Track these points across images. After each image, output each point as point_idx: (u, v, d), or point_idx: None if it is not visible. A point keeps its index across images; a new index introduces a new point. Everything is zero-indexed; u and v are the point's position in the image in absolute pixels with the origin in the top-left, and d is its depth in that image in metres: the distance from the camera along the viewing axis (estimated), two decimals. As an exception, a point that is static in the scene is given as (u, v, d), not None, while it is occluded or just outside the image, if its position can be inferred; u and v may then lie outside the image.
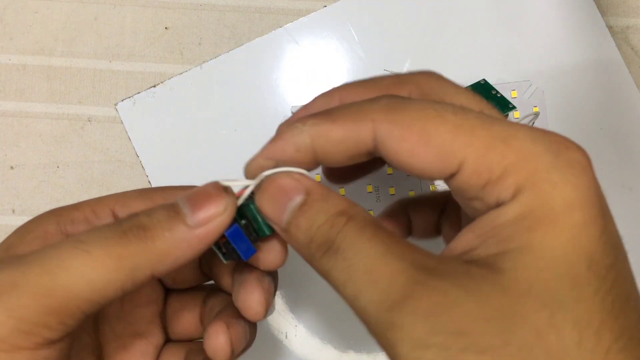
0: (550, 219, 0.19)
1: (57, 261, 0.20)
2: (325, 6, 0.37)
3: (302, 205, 0.22)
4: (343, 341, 0.35)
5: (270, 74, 0.37)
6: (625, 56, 0.36)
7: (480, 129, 0.20)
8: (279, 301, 0.35)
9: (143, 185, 0.36)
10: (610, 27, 0.36)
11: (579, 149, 0.21)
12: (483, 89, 0.34)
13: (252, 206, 0.23)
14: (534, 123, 0.35)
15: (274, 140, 0.22)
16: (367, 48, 0.37)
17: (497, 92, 0.34)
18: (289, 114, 0.36)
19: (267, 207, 0.22)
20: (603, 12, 0.36)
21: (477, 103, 0.23)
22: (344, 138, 0.21)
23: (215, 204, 0.22)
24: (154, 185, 0.36)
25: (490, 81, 0.35)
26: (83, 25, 0.37)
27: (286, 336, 0.35)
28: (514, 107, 0.34)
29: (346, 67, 0.36)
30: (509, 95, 0.35)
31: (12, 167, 0.37)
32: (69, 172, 0.36)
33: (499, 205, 0.19)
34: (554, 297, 0.18)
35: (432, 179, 0.21)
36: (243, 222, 0.23)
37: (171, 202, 0.22)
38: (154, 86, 0.36)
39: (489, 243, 0.19)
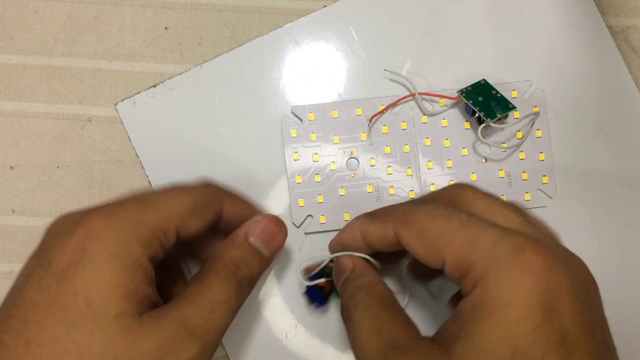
0: (491, 313, 0.23)
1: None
2: (325, 6, 0.37)
3: (346, 278, 0.30)
4: (343, 341, 0.35)
5: (270, 74, 0.37)
6: (625, 56, 0.36)
7: (458, 231, 0.25)
8: (279, 301, 0.35)
9: (143, 185, 0.36)
10: (610, 27, 0.36)
11: (537, 251, 0.24)
12: (483, 89, 0.34)
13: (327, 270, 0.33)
14: (534, 123, 0.35)
15: (341, 230, 0.32)
16: (367, 48, 0.37)
17: (497, 92, 0.34)
18: (289, 114, 0.36)
19: (334, 276, 0.32)
20: (603, 12, 0.36)
21: (495, 207, 0.27)
22: (378, 233, 0.29)
23: (280, 240, 0.32)
24: (153, 185, 0.36)
25: (490, 81, 0.35)
26: (83, 25, 0.37)
27: (286, 336, 0.35)
28: (514, 107, 0.34)
29: (346, 67, 0.36)
30: (509, 95, 0.35)
31: (12, 167, 0.37)
32: (69, 172, 0.36)
33: (466, 295, 0.24)
34: None
35: (434, 266, 0.27)
36: (324, 279, 0.33)
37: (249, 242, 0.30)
38: (154, 86, 0.36)
39: (453, 327, 0.24)
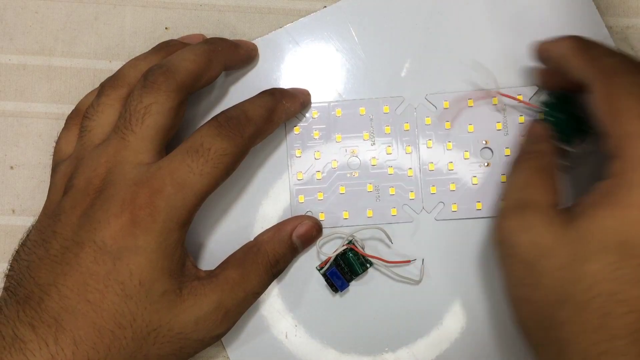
0: (617, 205, 0.27)
1: None
2: (325, 6, 0.37)
3: (532, 136, 0.34)
4: (343, 341, 0.35)
5: (270, 74, 0.37)
6: (625, 56, 0.36)
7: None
8: (278, 301, 0.35)
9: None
10: (610, 27, 0.36)
11: None
12: (564, 102, 0.34)
13: (349, 254, 0.34)
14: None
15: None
16: (367, 48, 0.37)
17: (578, 110, 0.33)
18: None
19: (528, 131, 0.34)
20: (603, 12, 0.36)
21: None
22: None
23: (312, 243, 0.35)
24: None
25: (490, 81, 0.35)
26: (83, 25, 0.37)
27: (286, 336, 0.35)
28: (590, 132, 0.33)
29: (346, 67, 0.36)
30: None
31: (12, 167, 0.37)
32: (69, 172, 0.36)
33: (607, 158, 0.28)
34: None
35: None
36: (342, 264, 0.34)
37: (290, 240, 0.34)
38: (154, 86, 0.36)
39: (584, 203, 0.28)
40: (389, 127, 0.36)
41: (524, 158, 0.32)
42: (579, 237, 0.27)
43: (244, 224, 0.36)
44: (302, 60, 0.37)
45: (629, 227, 0.26)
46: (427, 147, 0.36)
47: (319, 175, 0.36)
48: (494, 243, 0.31)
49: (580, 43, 0.30)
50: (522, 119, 0.35)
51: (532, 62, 0.35)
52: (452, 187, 0.35)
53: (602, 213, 0.26)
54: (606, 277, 0.26)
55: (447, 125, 0.36)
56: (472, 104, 0.35)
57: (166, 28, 0.37)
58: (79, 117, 0.33)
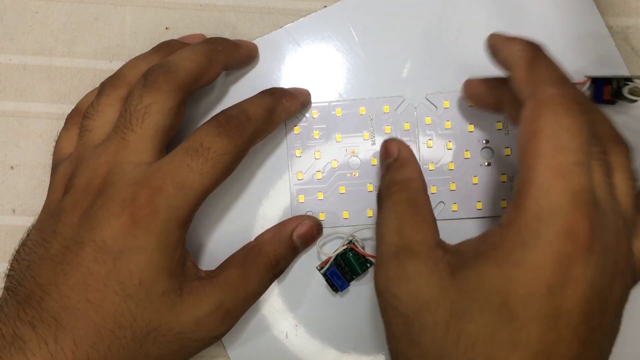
0: (502, 261, 0.24)
1: None
2: (325, 6, 0.37)
3: (389, 164, 0.32)
4: (343, 341, 0.35)
5: (270, 74, 0.37)
6: (625, 56, 0.36)
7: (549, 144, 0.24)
8: (278, 301, 0.35)
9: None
10: (610, 27, 0.36)
11: (581, 235, 0.23)
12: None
13: (350, 254, 0.34)
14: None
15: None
16: (367, 48, 0.37)
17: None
18: (290, 114, 0.36)
19: (380, 158, 0.34)
20: (603, 12, 0.36)
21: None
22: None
23: (313, 243, 0.35)
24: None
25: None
26: (83, 25, 0.37)
27: (286, 336, 0.35)
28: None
29: (346, 67, 0.36)
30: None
31: (12, 167, 0.37)
32: (69, 172, 0.36)
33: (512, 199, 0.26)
34: None
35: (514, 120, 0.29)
36: (342, 264, 0.34)
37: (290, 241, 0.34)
38: (154, 86, 0.36)
39: (473, 249, 0.26)
40: (389, 126, 0.36)
41: (392, 191, 0.30)
42: (461, 291, 0.24)
43: (244, 224, 0.36)
44: (302, 60, 0.37)
45: (512, 288, 0.23)
46: (428, 147, 0.36)
47: (319, 175, 0.36)
48: (376, 291, 0.28)
49: (531, 54, 0.27)
50: (448, 124, 0.36)
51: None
52: (453, 187, 0.35)
53: (487, 268, 0.24)
54: (484, 340, 0.23)
55: (448, 124, 0.36)
56: (473, 104, 0.35)
57: (166, 28, 0.37)
58: (79, 117, 0.33)
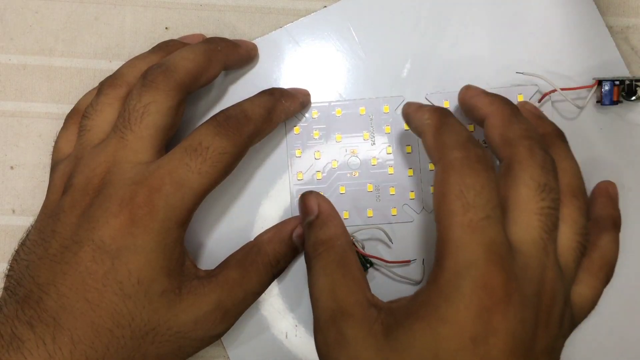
0: (430, 317, 0.25)
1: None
2: (325, 6, 0.37)
3: (310, 222, 0.32)
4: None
5: (270, 74, 0.37)
6: (625, 56, 0.36)
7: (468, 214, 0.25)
8: (278, 301, 0.35)
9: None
10: (610, 27, 0.36)
11: (500, 286, 0.24)
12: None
13: None
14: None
15: (421, 111, 0.31)
16: (367, 48, 0.37)
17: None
18: (289, 114, 0.36)
19: (300, 212, 0.33)
20: (603, 12, 0.36)
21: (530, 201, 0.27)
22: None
23: None
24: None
25: (491, 81, 0.35)
26: (83, 25, 0.37)
27: (286, 336, 0.35)
28: None
29: (346, 67, 0.36)
30: (515, 99, 0.35)
31: (12, 167, 0.37)
32: (69, 172, 0.36)
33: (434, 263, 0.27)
34: None
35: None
36: None
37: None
38: (154, 86, 0.36)
39: (404, 308, 0.27)
40: (389, 126, 0.36)
41: (319, 252, 0.30)
42: (396, 351, 0.25)
43: (244, 224, 0.36)
44: (302, 60, 0.37)
45: (441, 344, 0.24)
46: (427, 147, 0.36)
47: (319, 175, 0.36)
48: (318, 355, 0.29)
49: (438, 121, 0.29)
50: None
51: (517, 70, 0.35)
52: (452, 187, 0.35)
53: (418, 326, 0.25)
54: None
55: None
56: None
57: (166, 28, 0.37)
58: (78, 117, 0.33)
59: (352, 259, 0.30)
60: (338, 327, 0.27)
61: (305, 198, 0.33)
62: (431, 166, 0.35)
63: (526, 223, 0.26)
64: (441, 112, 0.29)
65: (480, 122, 0.31)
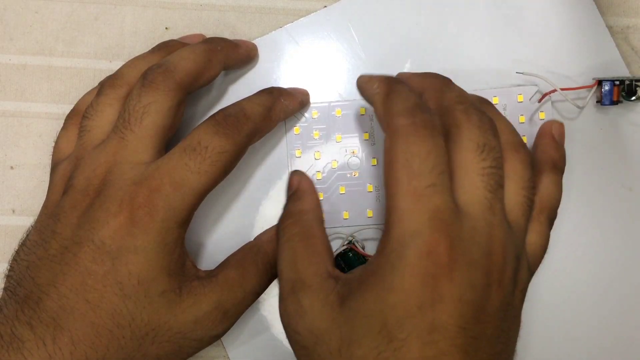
0: (377, 284, 0.26)
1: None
2: (325, 6, 0.37)
3: (289, 196, 0.33)
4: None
5: (270, 74, 0.37)
6: (625, 56, 0.36)
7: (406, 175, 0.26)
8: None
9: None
10: (610, 27, 0.36)
11: (445, 251, 0.25)
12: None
13: (350, 254, 0.35)
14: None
15: (380, 82, 0.30)
16: (367, 48, 0.37)
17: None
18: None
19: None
20: (603, 12, 0.36)
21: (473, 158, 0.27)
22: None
23: None
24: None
25: (490, 81, 0.35)
26: (83, 25, 0.37)
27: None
28: None
29: (346, 67, 0.36)
30: (515, 99, 0.35)
31: (12, 167, 0.37)
32: (69, 172, 0.36)
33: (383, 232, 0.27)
34: None
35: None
36: (342, 264, 0.35)
37: None
38: (154, 86, 0.36)
39: (358, 276, 0.27)
40: (389, 127, 0.36)
41: (286, 225, 0.30)
42: (348, 320, 0.26)
43: (244, 224, 0.36)
44: (302, 60, 0.37)
45: (388, 311, 0.24)
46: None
47: (319, 176, 0.36)
48: (282, 326, 0.29)
49: (385, 89, 0.29)
50: (522, 118, 0.35)
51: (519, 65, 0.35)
52: (452, 187, 0.35)
53: (367, 295, 0.25)
54: None
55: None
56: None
57: (166, 28, 0.37)
58: (78, 117, 0.33)
59: (316, 232, 0.30)
60: (297, 297, 0.27)
61: (290, 175, 0.33)
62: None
63: (470, 185, 0.26)
64: (390, 80, 0.30)
65: None
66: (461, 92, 0.29)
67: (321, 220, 0.31)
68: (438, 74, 0.31)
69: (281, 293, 0.29)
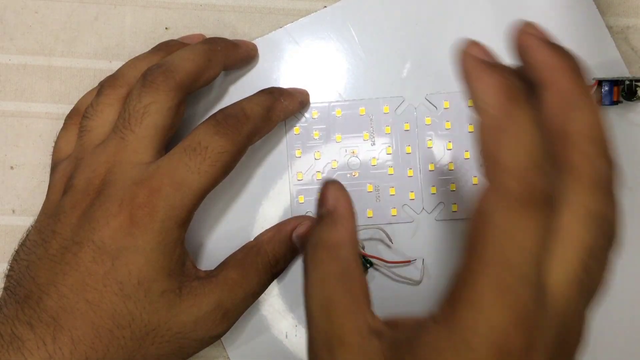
0: (446, 351, 0.21)
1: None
2: (325, 6, 0.37)
3: (321, 215, 0.27)
4: (343, 341, 0.35)
5: (270, 74, 0.37)
6: (625, 56, 0.36)
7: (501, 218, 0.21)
8: (278, 301, 0.35)
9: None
10: (610, 27, 0.36)
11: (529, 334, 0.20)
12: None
13: None
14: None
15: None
16: (367, 48, 0.37)
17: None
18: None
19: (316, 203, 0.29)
20: (603, 12, 0.36)
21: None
22: None
23: None
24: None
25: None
26: (83, 25, 0.37)
27: (286, 336, 0.35)
28: None
29: (346, 67, 0.36)
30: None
31: (12, 167, 0.37)
32: (69, 172, 0.36)
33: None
34: None
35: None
36: None
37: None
38: (154, 86, 0.36)
39: (414, 335, 0.22)
40: (389, 127, 0.36)
41: (320, 259, 0.25)
42: None
43: (244, 224, 0.36)
44: (302, 60, 0.37)
45: None
46: (427, 147, 0.36)
47: (319, 176, 0.36)
48: None
49: (501, 111, 0.22)
50: (448, 124, 0.36)
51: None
52: (452, 187, 0.35)
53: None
54: None
55: (447, 125, 0.36)
56: (472, 104, 0.35)
57: (166, 28, 0.37)
58: (78, 117, 0.33)
59: (356, 272, 0.25)
60: (332, 355, 0.23)
61: (325, 187, 0.28)
62: (431, 166, 0.35)
63: (567, 263, 0.21)
64: (510, 92, 0.22)
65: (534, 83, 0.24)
66: (596, 121, 0.22)
67: (358, 256, 0.26)
68: (573, 65, 0.23)
69: (312, 342, 0.24)
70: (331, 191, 0.27)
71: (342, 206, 0.27)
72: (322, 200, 0.27)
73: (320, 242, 0.26)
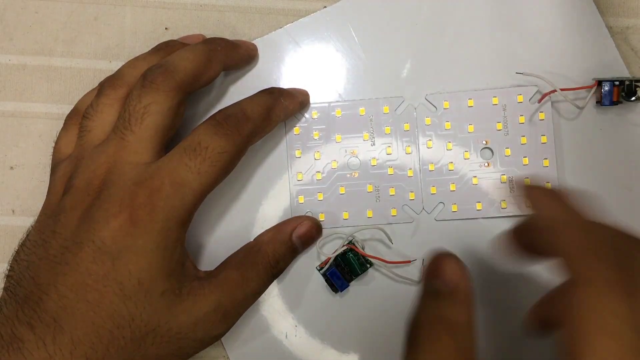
0: None
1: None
2: (325, 7, 0.37)
3: (446, 292, 0.26)
4: (343, 341, 0.35)
5: (270, 74, 0.37)
6: (625, 56, 0.36)
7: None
8: (278, 301, 0.35)
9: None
10: (610, 27, 0.36)
11: None
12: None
13: (349, 254, 0.34)
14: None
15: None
16: (367, 48, 0.37)
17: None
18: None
19: (426, 268, 0.27)
20: (603, 13, 0.36)
21: None
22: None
23: (313, 243, 0.35)
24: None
25: (490, 81, 0.35)
26: (83, 25, 0.37)
27: (286, 336, 0.35)
28: None
29: (346, 67, 0.36)
30: (515, 99, 0.35)
31: (12, 167, 0.37)
32: (69, 172, 0.36)
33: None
34: None
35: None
36: (342, 264, 0.34)
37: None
38: (154, 86, 0.36)
39: None
40: (389, 127, 0.36)
41: (439, 335, 0.24)
42: None
43: (244, 224, 0.36)
44: (302, 60, 0.37)
45: None
46: (427, 147, 0.36)
47: (318, 176, 0.36)
48: None
49: (584, 243, 0.24)
50: (522, 119, 0.35)
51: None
52: (452, 187, 0.35)
53: None
54: None
55: (447, 125, 0.36)
56: (472, 104, 0.35)
57: (166, 28, 0.37)
58: (78, 117, 0.33)
59: (472, 354, 0.24)
60: None
61: (441, 259, 0.26)
62: (431, 167, 0.35)
63: None
64: (588, 232, 0.24)
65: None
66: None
67: (476, 345, 0.24)
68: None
69: None
70: (451, 265, 0.26)
71: (466, 285, 0.26)
72: (437, 272, 0.26)
73: (440, 318, 0.25)
